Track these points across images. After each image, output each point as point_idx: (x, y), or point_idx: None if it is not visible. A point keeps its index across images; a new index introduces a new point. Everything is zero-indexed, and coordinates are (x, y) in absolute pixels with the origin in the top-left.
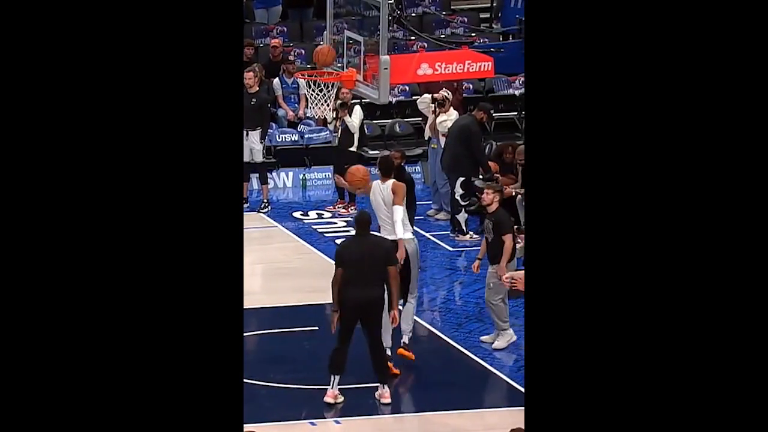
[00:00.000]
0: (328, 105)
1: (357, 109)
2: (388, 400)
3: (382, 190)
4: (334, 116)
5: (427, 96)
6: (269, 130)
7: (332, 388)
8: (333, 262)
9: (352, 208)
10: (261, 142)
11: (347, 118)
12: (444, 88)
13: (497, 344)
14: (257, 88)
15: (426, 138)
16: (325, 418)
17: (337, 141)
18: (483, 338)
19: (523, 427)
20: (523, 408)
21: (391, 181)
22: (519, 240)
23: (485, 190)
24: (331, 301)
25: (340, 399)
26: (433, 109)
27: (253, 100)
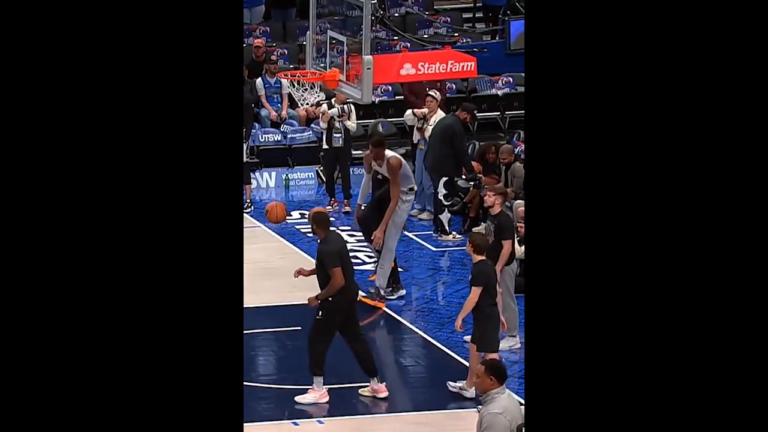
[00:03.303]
0: (310, 105)
1: (353, 110)
2: (385, 394)
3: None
4: (338, 118)
5: (410, 111)
6: (252, 130)
7: (320, 388)
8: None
9: (336, 205)
10: (244, 142)
11: (347, 122)
12: (431, 89)
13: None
14: None
15: (414, 141)
16: (307, 418)
17: (341, 142)
18: (466, 338)
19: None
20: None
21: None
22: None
23: (487, 192)
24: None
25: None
26: (418, 123)
27: None
